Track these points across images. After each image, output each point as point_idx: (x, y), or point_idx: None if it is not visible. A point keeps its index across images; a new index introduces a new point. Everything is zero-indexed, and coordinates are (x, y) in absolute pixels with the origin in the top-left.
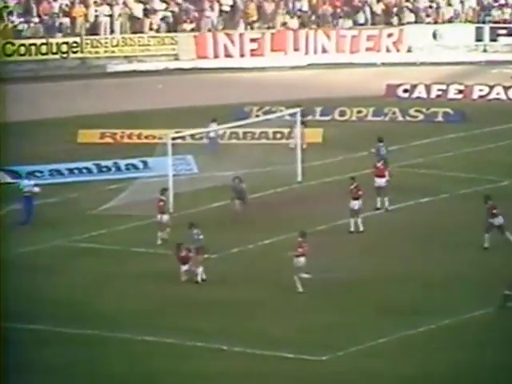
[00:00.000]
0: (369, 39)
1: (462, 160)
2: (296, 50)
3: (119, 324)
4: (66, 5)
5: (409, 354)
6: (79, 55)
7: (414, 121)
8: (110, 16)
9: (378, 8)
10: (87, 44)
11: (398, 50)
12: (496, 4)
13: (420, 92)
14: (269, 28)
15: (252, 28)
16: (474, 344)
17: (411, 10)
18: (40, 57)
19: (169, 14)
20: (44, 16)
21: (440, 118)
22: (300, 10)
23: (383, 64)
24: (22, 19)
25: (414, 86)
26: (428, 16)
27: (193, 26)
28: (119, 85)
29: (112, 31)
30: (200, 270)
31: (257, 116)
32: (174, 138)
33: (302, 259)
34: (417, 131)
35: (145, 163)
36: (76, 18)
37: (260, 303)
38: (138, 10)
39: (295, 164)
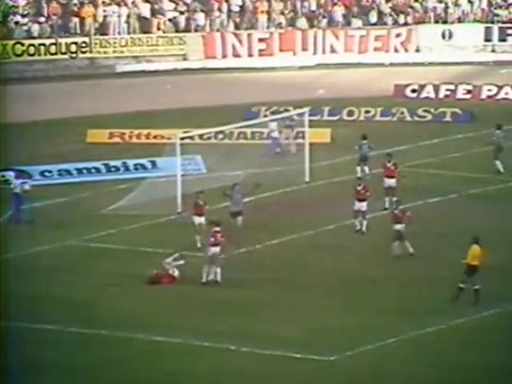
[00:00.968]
0: (377, 39)
1: (471, 160)
2: (304, 49)
3: (127, 324)
4: (75, 4)
5: (417, 354)
6: (88, 55)
7: (422, 121)
8: (120, 16)
9: (387, 8)
10: (96, 44)
11: (406, 50)
12: (504, 4)
13: (428, 92)
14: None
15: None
16: (483, 345)
17: (418, 10)
18: (49, 57)
19: (177, 14)
20: (53, 16)
21: (448, 118)
22: (311, 11)
23: (391, 64)
24: (25, 19)
25: (423, 86)
26: (436, 16)
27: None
28: (128, 85)
29: (119, 32)
30: (219, 270)
31: (265, 116)
32: (182, 138)
33: (214, 249)
34: (425, 131)
35: (153, 163)
36: (85, 18)
37: (268, 303)
38: (146, 10)
39: (303, 164)
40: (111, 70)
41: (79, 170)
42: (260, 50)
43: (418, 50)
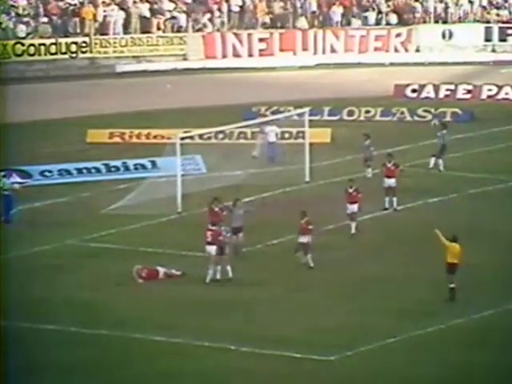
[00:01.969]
0: (377, 39)
1: (471, 160)
2: (304, 49)
3: (127, 324)
4: (75, 4)
5: (417, 354)
6: (88, 55)
7: (422, 121)
8: (122, 15)
9: (387, 8)
10: (96, 44)
11: (406, 50)
12: (506, 4)
13: (428, 92)
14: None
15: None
16: (483, 345)
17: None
18: (49, 57)
19: (177, 14)
20: (53, 16)
21: (448, 118)
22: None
23: (391, 64)
24: (22, 19)
25: (423, 86)
26: (437, 16)
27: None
28: (128, 85)
29: (118, 32)
30: (229, 267)
31: (265, 116)
32: (182, 138)
33: (210, 247)
34: (425, 131)
35: (153, 163)
36: (85, 18)
37: (268, 303)
38: (145, 10)
39: (303, 164)
40: (111, 69)
41: (79, 170)
42: (260, 50)
43: (418, 50)
